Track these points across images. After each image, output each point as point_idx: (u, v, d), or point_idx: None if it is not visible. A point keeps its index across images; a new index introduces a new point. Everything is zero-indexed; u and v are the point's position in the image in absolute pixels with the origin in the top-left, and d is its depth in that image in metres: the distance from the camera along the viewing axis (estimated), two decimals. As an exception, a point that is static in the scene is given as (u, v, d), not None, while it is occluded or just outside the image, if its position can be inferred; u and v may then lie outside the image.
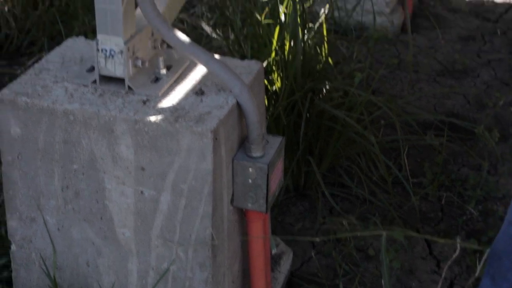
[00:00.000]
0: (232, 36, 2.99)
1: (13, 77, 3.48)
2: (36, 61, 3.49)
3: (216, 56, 1.96)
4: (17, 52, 3.82)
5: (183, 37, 1.81)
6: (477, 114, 3.46)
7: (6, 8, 3.88)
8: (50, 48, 3.67)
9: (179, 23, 3.73)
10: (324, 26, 2.89)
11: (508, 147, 3.21)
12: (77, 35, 3.68)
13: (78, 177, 1.88)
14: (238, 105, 1.84)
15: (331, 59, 2.97)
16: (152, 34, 1.94)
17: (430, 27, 4.27)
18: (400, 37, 4.15)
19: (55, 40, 3.78)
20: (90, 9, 3.76)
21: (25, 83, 1.92)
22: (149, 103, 1.82)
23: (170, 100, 1.83)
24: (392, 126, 3.07)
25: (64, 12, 3.92)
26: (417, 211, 2.80)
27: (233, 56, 2.84)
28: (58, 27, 3.77)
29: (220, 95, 1.86)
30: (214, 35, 2.96)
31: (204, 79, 1.92)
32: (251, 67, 1.99)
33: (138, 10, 1.88)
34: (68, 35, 3.71)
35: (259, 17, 2.77)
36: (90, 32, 3.69)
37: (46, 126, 1.85)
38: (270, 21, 2.80)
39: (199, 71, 1.95)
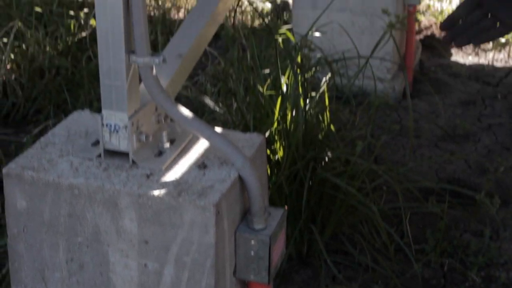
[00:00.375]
0: (235, 105, 3.04)
1: (19, 145, 3.53)
2: (42, 130, 3.57)
3: (219, 129, 2.00)
4: (24, 120, 3.88)
5: (186, 112, 1.85)
6: (478, 179, 3.49)
7: (13, 77, 3.95)
8: (56, 116, 3.73)
9: (183, 90, 3.80)
10: (326, 95, 2.93)
11: (509, 212, 3.23)
12: (83, 103, 3.75)
13: (83, 250, 1.91)
14: (240, 178, 1.87)
15: (333, 125, 3.01)
16: (156, 109, 1.98)
17: (431, 92, 4.33)
18: (402, 102, 4.20)
19: (61, 108, 3.84)
20: (96, 77, 3.83)
21: (31, 157, 1.96)
22: (152, 177, 1.85)
23: (173, 174, 1.87)
24: (394, 192, 3.10)
25: (70, 80, 3.99)
26: (420, 278, 2.81)
27: (235, 125, 2.89)
28: (64, 96, 3.83)
29: (222, 168, 1.89)
30: (217, 108, 3.02)
31: (207, 153, 1.96)
32: (253, 140, 2.03)
33: (142, 85, 1.92)
34: (74, 103, 3.78)
35: (261, 89, 2.83)
36: (96, 101, 3.75)
37: (51, 199, 1.89)
38: (272, 92, 2.85)
39: (202, 144, 1.99)
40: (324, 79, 3.08)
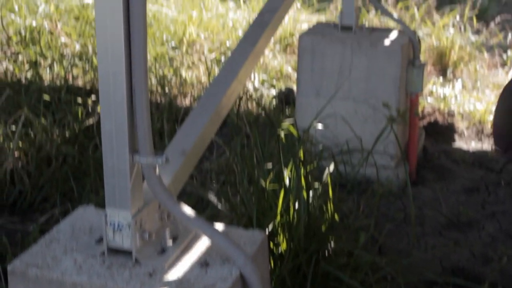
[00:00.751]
0: (238, 198, 3.07)
1: (25, 234, 3.55)
2: (49, 219, 3.60)
3: (220, 226, 2.03)
4: (30, 208, 3.90)
5: (188, 211, 1.89)
6: (483, 268, 3.48)
7: (20, 165, 4.00)
8: (63, 204, 3.76)
9: (188, 179, 3.82)
10: (330, 187, 2.96)
11: (514, 303, 3.22)
12: (89, 192, 3.79)
13: None
14: (242, 276, 1.89)
15: (337, 215, 3.03)
16: (159, 206, 2.01)
17: (434, 178, 4.35)
18: (406, 190, 4.21)
19: (67, 197, 3.86)
20: (102, 166, 3.86)
21: (35, 254, 1.98)
22: (155, 275, 1.87)
23: (176, 273, 1.89)
24: (399, 283, 3.09)
25: (77, 168, 4.03)
26: None
27: (239, 217, 2.91)
28: (70, 184, 3.87)
29: (224, 266, 1.91)
30: (220, 205, 3.05)
31: (209, 250, 1.98)
32: (255, 237, 2.06)
33: (146, 184, 1.96)
34: (81, 192, 3.81)
35: (263, 184, 2.86)
36: (102, 189, 3.78)
37: (55, 297, 1.90)
38: (275, 186, 2.88)
39: (204, 241, 2.02)
40: (327, 170, 3.10)
